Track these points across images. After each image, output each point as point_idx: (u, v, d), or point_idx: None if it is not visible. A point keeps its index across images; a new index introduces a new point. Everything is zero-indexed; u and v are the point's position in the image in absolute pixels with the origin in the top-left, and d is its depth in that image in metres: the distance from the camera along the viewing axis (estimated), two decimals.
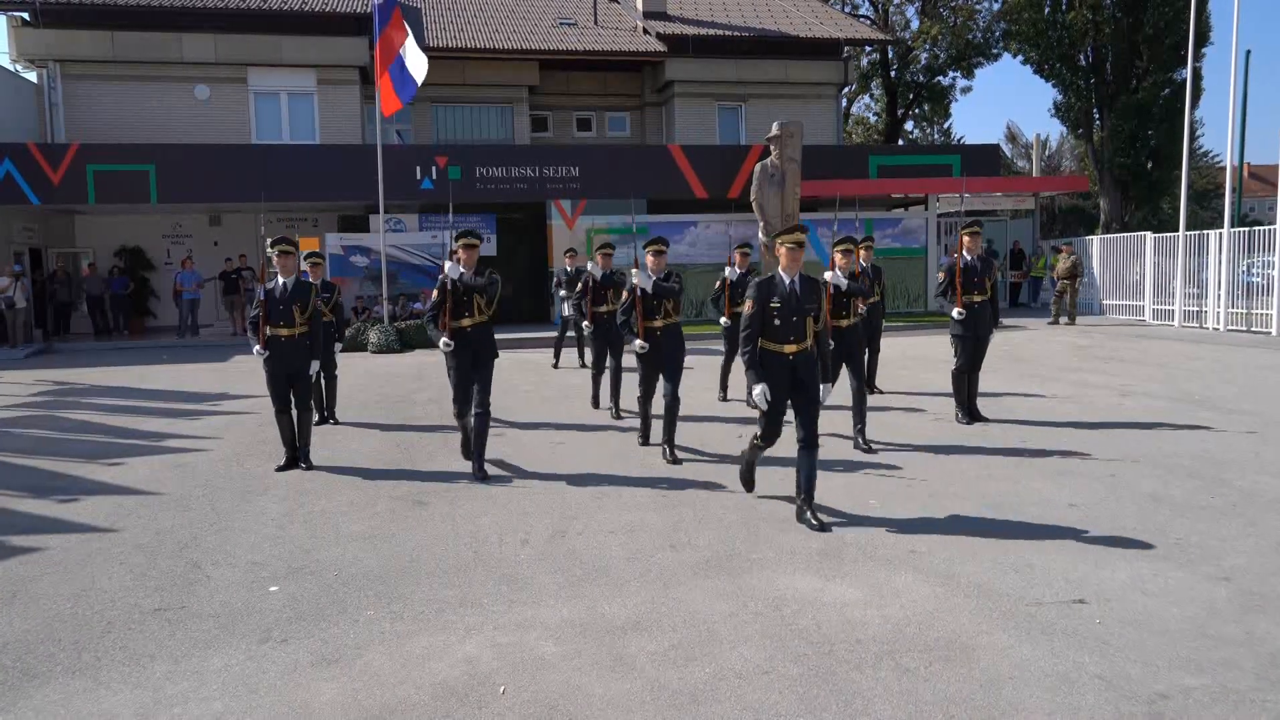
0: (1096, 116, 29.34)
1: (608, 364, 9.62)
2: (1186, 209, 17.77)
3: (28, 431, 9.34)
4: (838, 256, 7.69)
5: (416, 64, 15.72)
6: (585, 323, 9.99)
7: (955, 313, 8.28)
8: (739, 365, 6.20)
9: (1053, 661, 3.65)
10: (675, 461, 7.12)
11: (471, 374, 6.95)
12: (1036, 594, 4.36)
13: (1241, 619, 4.02)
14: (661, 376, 7.36)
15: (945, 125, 47.70)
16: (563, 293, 13.44)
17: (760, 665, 3.68)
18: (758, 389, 5.45)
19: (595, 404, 9.89)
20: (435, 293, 7.02)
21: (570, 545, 5.28)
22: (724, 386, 10.23)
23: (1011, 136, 51.80)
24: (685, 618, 4.17)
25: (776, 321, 5.43)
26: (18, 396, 11.81)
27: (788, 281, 5.49)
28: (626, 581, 4.66)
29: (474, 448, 6.95)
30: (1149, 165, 28.35)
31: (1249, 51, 23.67)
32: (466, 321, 6.93)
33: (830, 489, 6.19)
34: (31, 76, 21.57)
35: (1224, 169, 28.15)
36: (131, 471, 7.37)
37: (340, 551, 5.25)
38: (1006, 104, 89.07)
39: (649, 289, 7.38)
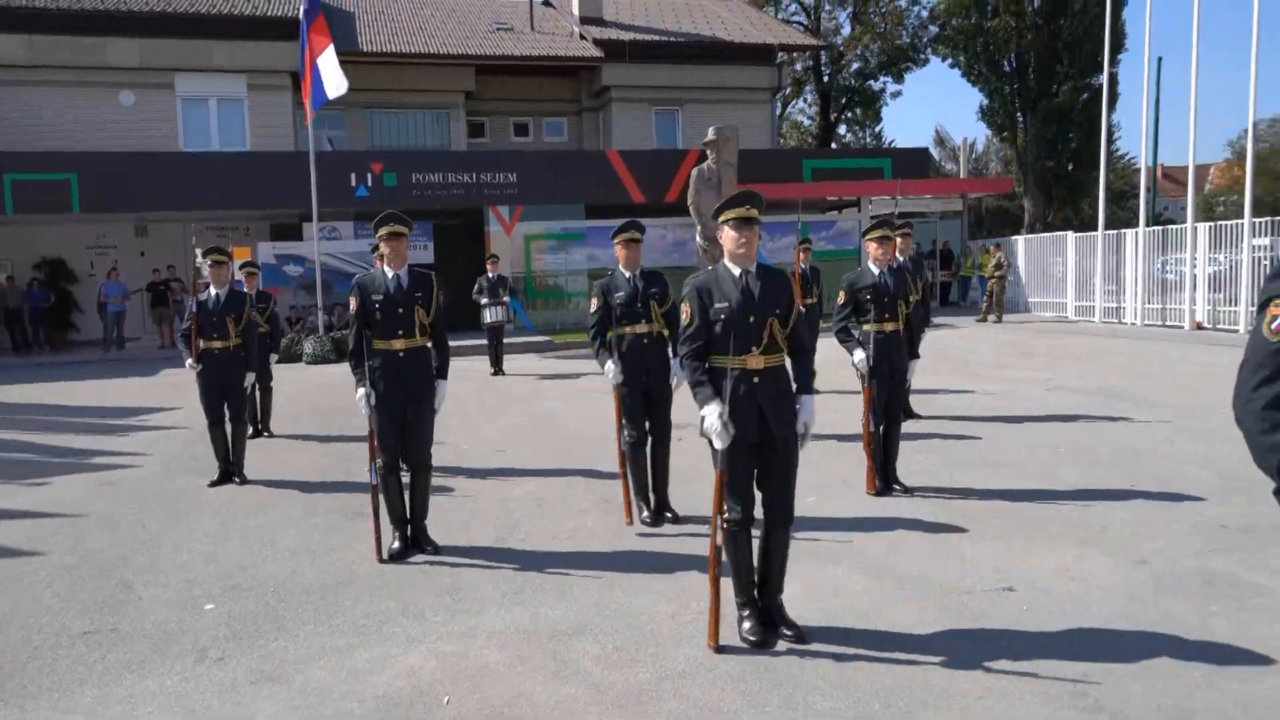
0: (1020, 120, 30.21)
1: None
2: (1105, 209, 18.41)
3: None
4: (872, 247, 6.35)
5: (332, 76, 15.45)
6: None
7: (856, 359, 6.23)
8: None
9: (983, 648, 3.76)
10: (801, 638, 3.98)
11: (404, 414, 5.18)
12: (968, 584, 4.49)
13: (1158, 601, 4.19)
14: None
15: (877, 129, 48.60)
16: (484, 299, 13.54)
17: (703, 663, 3.73)
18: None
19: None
20: (353, 304, 5.19)
21: (513, 553, 5.27)
22: None
23: (940, 140, 52.90)
24: (628, 621, 4.20)
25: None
26: None
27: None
28: (569, 587, 4.68)
29: (413, 514, 5.30)
30: (1070, 167, 29.30)
31: (1160, 59, 24.66)
32: (399, 343, 5.15)
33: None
34: None
35: (1139, 170, 29.19)
36: (54, 492, 7.14)
37: (277, 567, 5.17)
38: (936, 108, 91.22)
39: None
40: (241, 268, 9.50)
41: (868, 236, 6.34)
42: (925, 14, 32.31)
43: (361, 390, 5.12)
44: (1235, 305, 15.40)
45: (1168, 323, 16.94)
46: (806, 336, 4.11)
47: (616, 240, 5.87)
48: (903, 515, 5.69)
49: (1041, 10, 28.11)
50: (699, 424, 3.87)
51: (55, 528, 6.12)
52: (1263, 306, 2.14)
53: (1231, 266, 15.77)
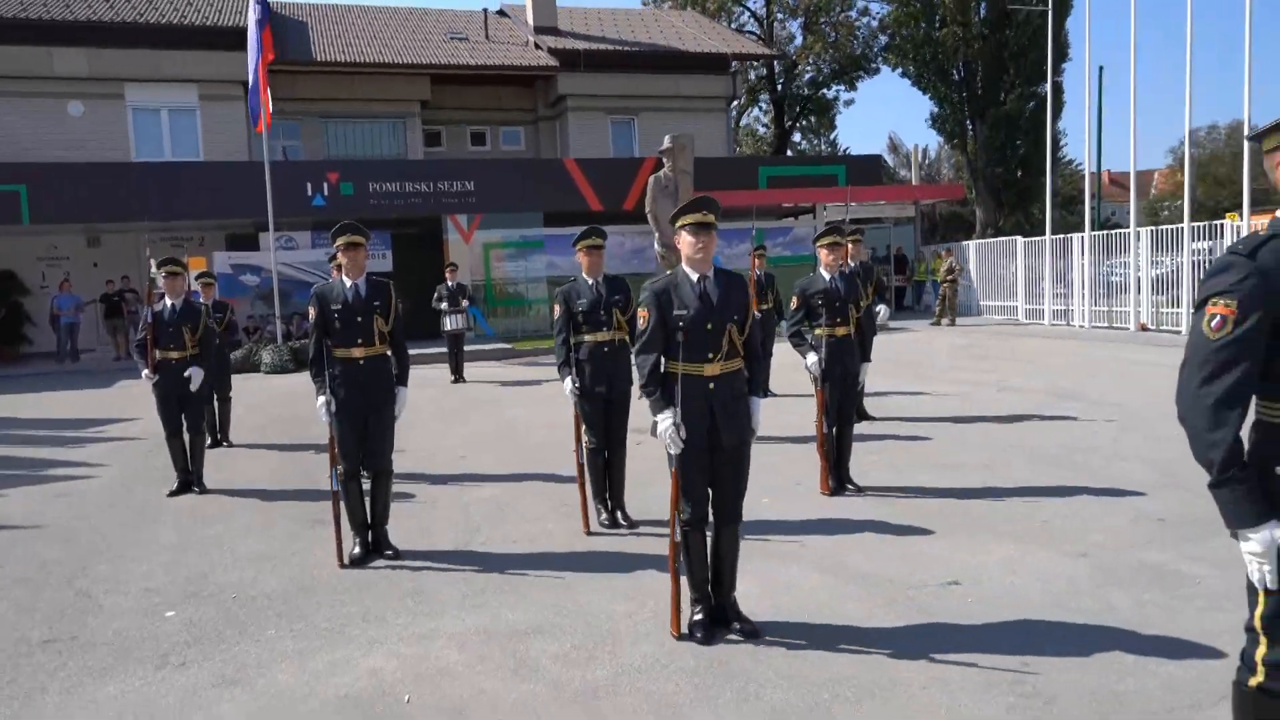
0: (970, 127, 30.83)
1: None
2: (1052, 214, 18.91)
3: None
4: (824, 253, 6.49)
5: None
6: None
7: (809, 362, 6.38)
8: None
9: (928, 640, 3.91)
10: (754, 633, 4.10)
11: (364, 421, 5.27)
12: (916, 579, 4.65)
13: (1097, 592, 4.38)
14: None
15: (831, 136, 49.28)
16: (444, 306, 13.62)
17: (659, 660, 3.84)
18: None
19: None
20: (312, 313, 5.25)
21: (473, 556, 5.35)
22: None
23: (894, 146, 53.71)
24: (585, 620, 4.30)
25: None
26: None
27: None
28: (528, 589, 4.76)
29: (374, 519, 5.39)
30: (1019, 173, 29.94)
31: (1101, 68, 25.35)
32: (359, 351, 5.23)
33: None
34: None
35: (1085, 176, 29.95)
36: (10, 505, 7.07)
37: (238, 574, 5.20)
38: (889, 115, 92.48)
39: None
40: (198, 278, 9.47)
41: (819, 242, 6.50)
42: (875, 24, 32.92)
43: (322, 398, 5.19)
44: (1178, 307, 15.89)
45: (1114, 325, 17.42)
46: (759, 340, 4.24)
47: (579, 247, 5.90)
48: (854, 515, 5.86)
49: (988, 20, 28.75)
50: (651, 428, 3.99)
51: (11, 540, 6.07)
52: (1200, 306, 2.29)
53: (1174, 269, 16.27)
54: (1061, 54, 27.51)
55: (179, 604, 4.74)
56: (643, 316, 4.01)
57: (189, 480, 7.24)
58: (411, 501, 6.67)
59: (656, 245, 19.40)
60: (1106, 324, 17.48)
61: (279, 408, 11.75)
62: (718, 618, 4.12)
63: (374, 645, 4.11)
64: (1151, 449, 7.23)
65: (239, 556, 5.53)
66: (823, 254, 6.48)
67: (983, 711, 3.29)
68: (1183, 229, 15.77)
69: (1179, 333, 15.49)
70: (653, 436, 4.03)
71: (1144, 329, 16.34)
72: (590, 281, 5.83)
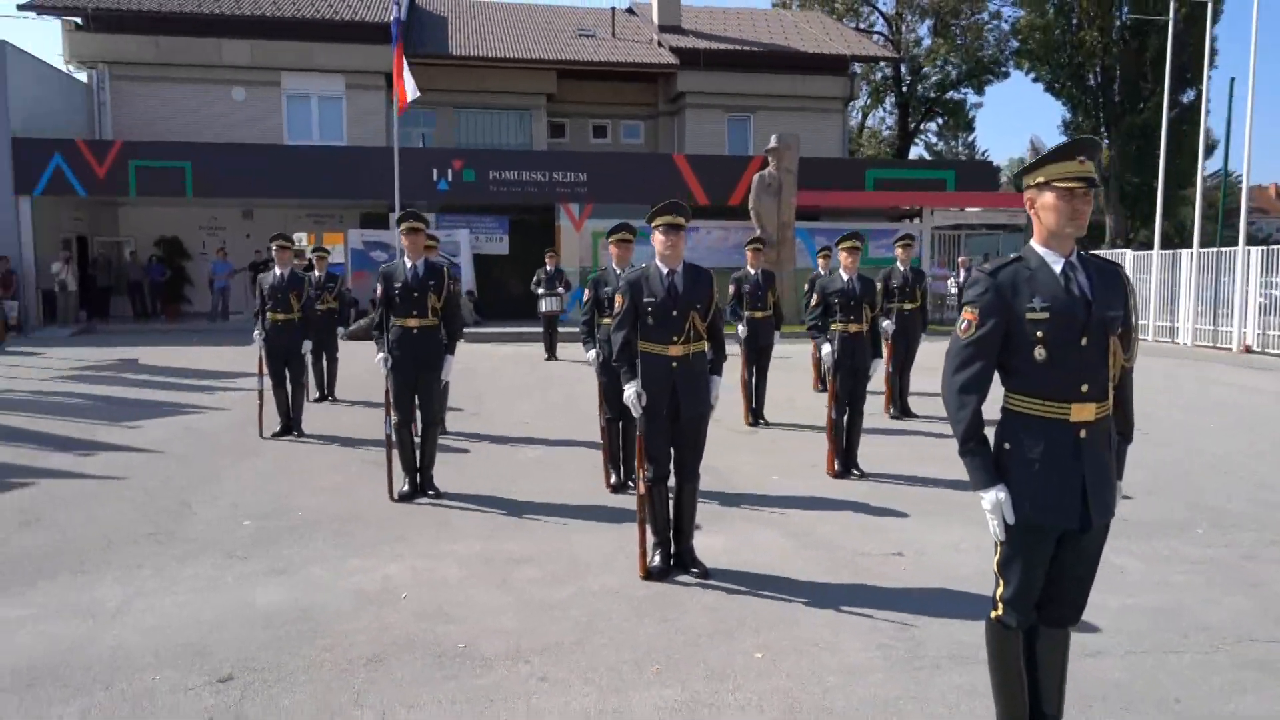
0: (1104, 135, 29.84)
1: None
2: (1161, 228, 18.41)
3: (63, 400, 10.50)
4: (844, 256, 7.13)
5: (410, 82, 16.90)
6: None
7: (824, 352, 7.10)
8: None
9: (847, 595, 4.52)
10: (705, 575, 4.75)
11: (415, 379, 6.17)
12: (867, 549, 5.25)
13: None
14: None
15: (969, 139, 48.23)
16: (541, 290, 14.61)
17: (614, 589, 4.60)
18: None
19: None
20: (379, 289, 6.19)
21: (500, 501, 6.24)
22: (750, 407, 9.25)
23: (1035, 151, 52.06)
24: (570, 556, 5.11)
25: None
26: (59, 370, 13.04)
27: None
28: (535, 530, 5.61)
29: (421, 461, 6.30)
30: (1157, 184, 28.77)
31: (1233, 79, 24.24)
32: (414, 321, 6.12)
33: (738, 462, 7.14)
34: (82, 77, 22.97)
35: (1231, 190, 28.48)
36: (146, 433, 8.46)
37: (308, 500, 6.25)
38: (1031, 119, 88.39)
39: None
40: (313, 251, 10.75)
41: (840, 246, 7.09)
42: (1007, 27, 32.17)
43: (380, 355, 6.19)
44: None
45: (1219, 344, 16.91)
46: (723, 327, 4.92)
47: (611, 240, 6.60)
48: (845, 495, 6.44)
49: (1129, 26, 27.76)
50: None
51: (145, 460, 7.37)
52: (960, 312, 2.90)
53: None
54: (1208, 61, 26.29)
55: (255, 517, 5.82)
56: (619, 301, 4.73)
57: (290, 424, 8.43)
58: (465, 455, 7.65)
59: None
60: (1211, 344, 16.99)
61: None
62: (678, 562, 4.86)
63: (395, 559, 5.04)
64: (1162, 459, 7.45)
65: (313, 487, 6.60)
66: (843, 257, 7.09)
67: (854, 646, 3.91)
68: None
69: None
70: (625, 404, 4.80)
71: (1248, 350, 15.84)
72: (619, 271, 6.50)
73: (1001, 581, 2.88)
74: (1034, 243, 2.80)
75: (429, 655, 3.82)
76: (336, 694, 3.48)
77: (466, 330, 18.46)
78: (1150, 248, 21.15)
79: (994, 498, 2.77)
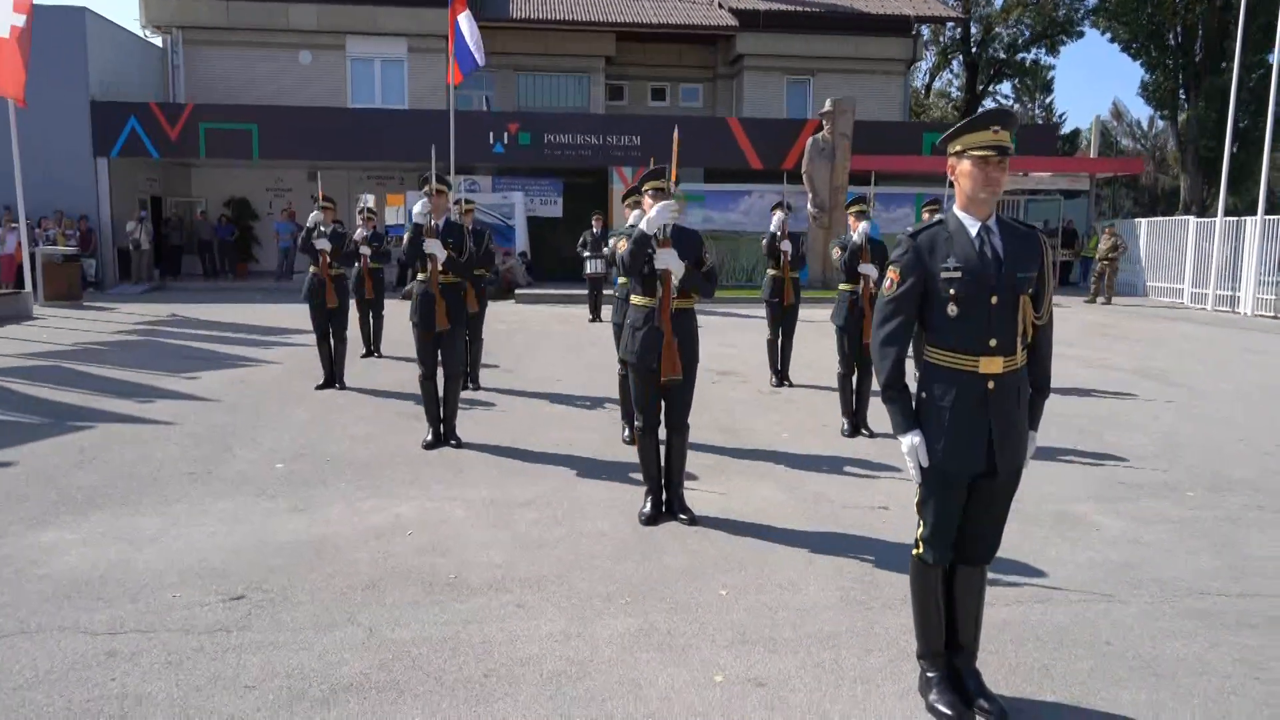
0: (1183, 97, 28.75)
1: None
2: (1239, 196, 17.80)
3: (129, 351, 11.19)
4: (852, 220, 7.32)
5: (476, 40, 16.91)
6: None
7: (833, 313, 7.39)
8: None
9: (824, 543, 4.75)
10: (692, 521, 5.02)
11: (437, 336, 6.54)
12: (854, 502, 5.46)
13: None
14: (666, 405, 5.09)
15: (1047, 101, 46.83)
16: (586, 253, 14.85)
17: (604, 531, 4.91)
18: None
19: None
20: (408, 238, 6.53)
21: (517, 451, 6.59)
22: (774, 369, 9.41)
23: (1117, 114, 50.31)
24: (570, 500, 5.43)
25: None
26: (129, 324, 13.83)
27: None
28: (542, 476, 5.95)
29: (443, 412, 6.64)
30: (1235, 149, 27.68)
31: None
32: (438, 276, 6.53)
33: (753, 420, 7.36)
34: (157, 41, 23.84)
35: None
36: (200, 383, 9.03)
37: (340, 447, 6.69)
38: (1112, 79, 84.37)
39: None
40: (360, 211, 11.19)
41: (850, 210, 7.22)
42: None
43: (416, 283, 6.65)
44: None
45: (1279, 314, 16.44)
46: (714, 273, 5.10)
47: (626, 203, 6.73)
48: (848, 453, 6.64)
49: None
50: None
51: (196, 407, 7.91)
52: (883, 270, 3.10)
53: None
54: None
55: (288, 460, 6.27)
56: (621, 243, 4.92)
57: (332, 377, 8.91)
58: (492, 409, 8.03)
59: (809, 206, 19.98)
60: (1273, 313, 16.49)
61: None
62: (668, 509, 5.15)
63: (407, 500, 5.43)
64: (1179, 427, 7.46)
65: (346, 435, 7.04)
66: (852, 220, 7.23)
67: (815, 587, 4.16)
68: None
69: None
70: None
71: None
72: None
73: (920, 521, 3.10)
74: (955, 207, 2.98)
75: (421, 583, 4.18)
76: (332, 613, 3.86)
77: (518, 291, 18.94)
78: (1233, 215, 20.51)
79: (910, 442, 2.98)
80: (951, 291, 2.87)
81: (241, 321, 14.31)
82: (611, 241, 5.29)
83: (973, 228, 2.91)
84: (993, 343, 2.87)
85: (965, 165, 2.89)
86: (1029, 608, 3.96)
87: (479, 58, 17.35)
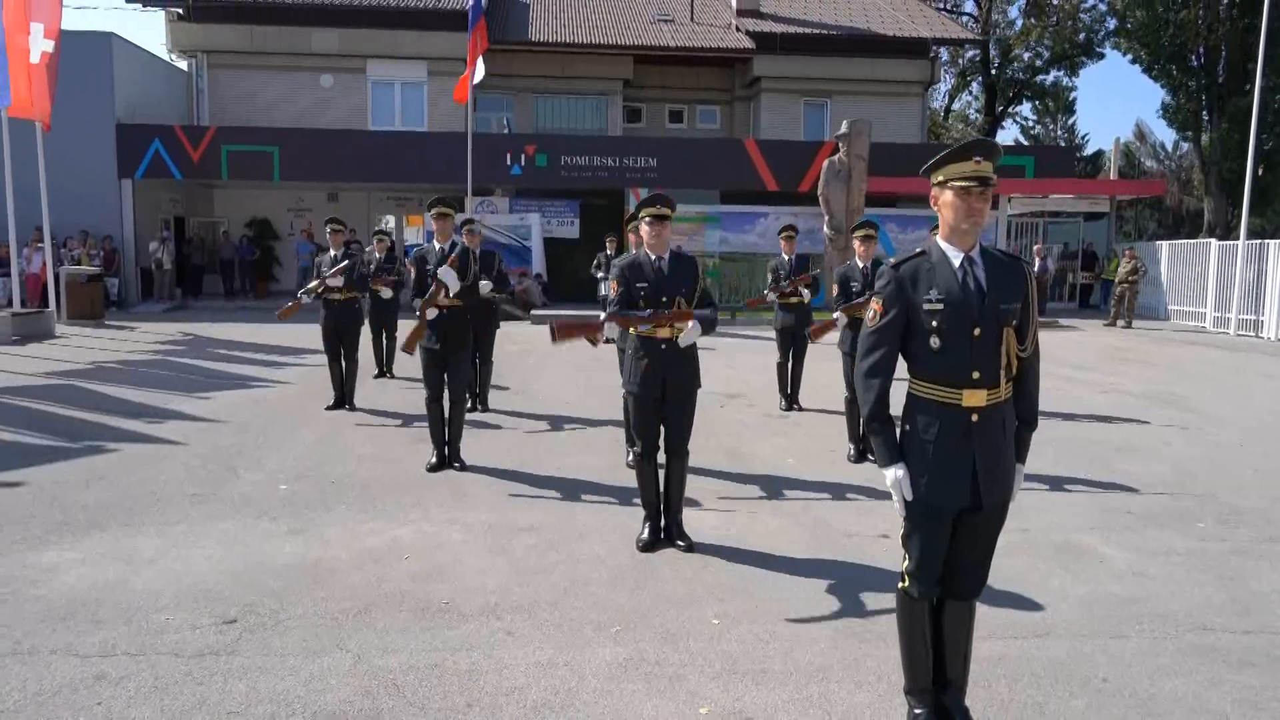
0: (1206, 118, 28.53)
1: None
2: (1249, 218, 17.60)
3: (146, 370, 11.31)
4: (857, 244, 7.31)
5: (479, 69, 17.35)
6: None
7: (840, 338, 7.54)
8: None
9: (833, 572, 4.69)
10: (690, 548, 5.02)
11: (444, 359, 6.60)
12: (856, 530, 5.41)
13: (1005, 559, 4.96)
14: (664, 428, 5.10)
15: (1069, 122, 46.64)
16: (600, 274, 14.84)
17: (601, 556, 4.89)
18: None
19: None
20: (413, 271, 6.71)
21: (520, 474, 6.59)
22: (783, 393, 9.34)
23: (1141, 135, 49.95)
24: (568, 525, 5.41)
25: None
26: (147, 343, 13.99)
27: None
28: (542, 502, 5.94)
29: (449, 436, 6.71)
30: (1260, 170, 27.41)
31: None
32: (442, 302, 6.52)
33: (759, 445, 7.33)
34: (183, 65, 24.24)
35: None
36: (213, 404, 9.10)
37: (345, 468, 6.71)
38: (1134, 100, 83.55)
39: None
40: (374, 234, 11.29)
41: (854, 234, 7.20)
42: (1104, 7, 30.89)
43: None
44: None
45: None
46: (714, 303, 5.15)
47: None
48: (854, 480, 6.58)
49: (1237, 3, 26.41)
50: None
51: (204, 428, 7.97)
52: (868, 301, 3.08)
53: None
54: None
55: (291, 481, 6.30)
56: (613, 287, 4.97)
57: (343, 398, 8.95)
58: (499, 430, 8.03)
59: (825, 228, 19.96)
60: None
61: None
62: (666, 535, 5.12)
63: (406, 524, 5.43)
64: (1191, 455, 7.34)
65: (352, 456, 7.07)
66: (856, 245, 7.19)
67: (812, 614, 4.11)
68: None
69: None
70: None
71: None
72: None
73: (906, 555, 3.06)
74: (938, 237, 2.96)
75: (413, 609, 4.18)
76: (322, 638, 3.86)
77: (534, 312, 19.01)
78: (1258, 238, 20.29)
79: (894, 475, 2.95)
80: (934, 323, 2.84)
81: (259, 341, 14.44)
82: (603, 286, 5.34)
83: (955, 259, 2.89)
84: (976, 375, 2.84)
85: (948, 196, 2.87)
86: (1026, 642, 3.89)
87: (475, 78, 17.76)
